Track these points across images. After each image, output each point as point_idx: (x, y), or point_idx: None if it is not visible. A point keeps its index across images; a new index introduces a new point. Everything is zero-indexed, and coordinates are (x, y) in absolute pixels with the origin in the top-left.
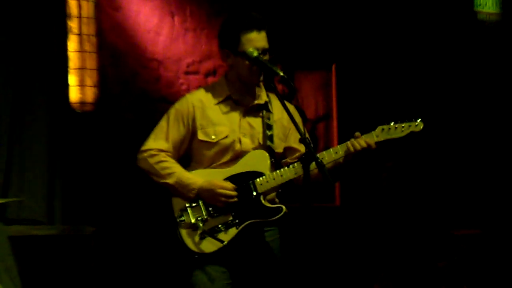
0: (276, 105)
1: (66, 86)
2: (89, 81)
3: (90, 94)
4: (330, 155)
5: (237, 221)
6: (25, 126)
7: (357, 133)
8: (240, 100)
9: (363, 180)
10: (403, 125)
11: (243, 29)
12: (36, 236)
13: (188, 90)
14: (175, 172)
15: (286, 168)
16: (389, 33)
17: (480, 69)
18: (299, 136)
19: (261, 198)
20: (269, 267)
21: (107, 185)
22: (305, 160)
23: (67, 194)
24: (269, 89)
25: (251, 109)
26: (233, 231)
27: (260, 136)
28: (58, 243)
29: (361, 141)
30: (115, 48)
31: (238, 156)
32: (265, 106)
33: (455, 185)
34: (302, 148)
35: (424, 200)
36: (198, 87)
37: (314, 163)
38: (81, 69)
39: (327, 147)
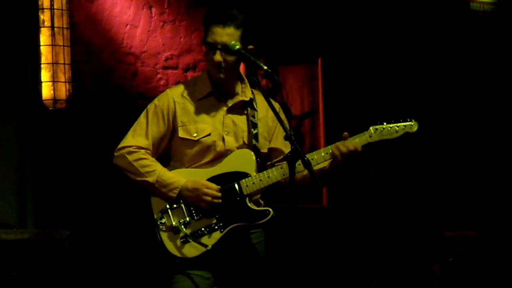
0: (260, 103)
1: (37, 82)
2: (62, 77)
3: (63, 91)
4: (320, 156)
5: (221, 224)
6: None
7: (345, 134)
8: (223, 96)
9: (351, 180)
10: (397, 125)
11: (212, 21)
12: (7, 240)
13: (166, 86)
14: (156, 170)
15: (273, 168)
16: (378, 25)
17: (473, 63)
18: (284, 137)
19: (247, 200)
20: (255, 271)
21: (82, 186)
22: (290, 158)
23: (39, 196)
24: (253, 84)
25: (234, 106)
26: (217, 235)
27: (245, 134)
28: (31, 248)
29: (348, 144)
30: (90, 42)
31: (222, 155)
32: (250, 103)
33: (447, 184)
34: (287, 150)
35: (415, 200)
36: (177, 82)
37: (300, 163)
38: (54, 64)
39: (313, 144)
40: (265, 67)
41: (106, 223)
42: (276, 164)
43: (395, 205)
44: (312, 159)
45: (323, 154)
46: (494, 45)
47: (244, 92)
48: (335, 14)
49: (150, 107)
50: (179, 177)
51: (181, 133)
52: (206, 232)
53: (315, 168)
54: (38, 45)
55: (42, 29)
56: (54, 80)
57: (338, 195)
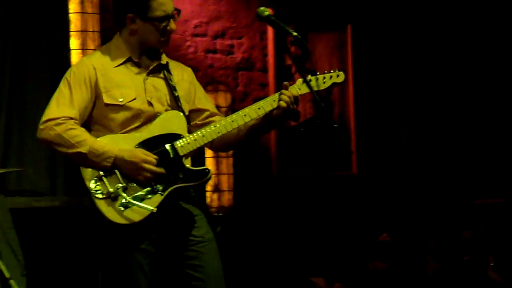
0: (174, 68)
1: (67, 49)
2: (91, 44)
3: None
4: (267, 104)
5: (160, 187)
6: (25, 93)
7: (285, 83)
8: (141, 61)
9: (380, 147)
10: (324, 76)
11: None
12: (38, 208)
13: (195, 53)
14: (87, 139)
15: (206, 127)
16: None
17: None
18: (201, 97)
19: (183, 161)
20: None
21: None
22: (321, 125)
23: (70, 163)
24: (282, 50)
25: (153, 70)
26: (157, 198)
27: (168, 97)
28: (61, 215)
29: (292, 90)
30: None
31: (151, 119)
32: (166, 67)
33: (479, 151)
34: (208, 106)
35: (445, 168)
36: (205, 50)
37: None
38: (83, 31)
39: (342, 112)
40: (295, 34)
41: None
42: (203, 123)
43: (425, 173)
44: (259, 108)
45: (270, 102)
46: None
47: (160, 57)
48: None
49: (69, 76)
50: (111, 146)
51: (106, 99)
52: (146, 196)
53: (253, 122)
54: (68, 13)
55: None
56: (83, 48)
57: (368, 163)
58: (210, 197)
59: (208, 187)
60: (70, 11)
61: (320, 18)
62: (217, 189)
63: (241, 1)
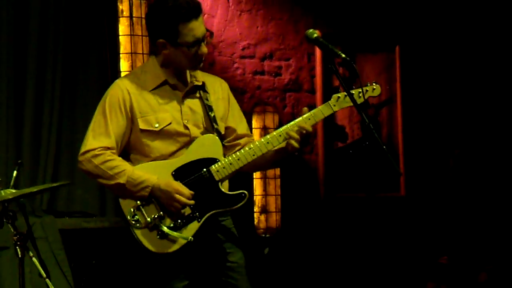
0: (211, 85)
1: (117, 72)
2: None
3: None
4: (275, 139)
5: (197, 214)
6: (75, 114)
7: (305, 108)
8: (177, 84)
9: (429, 168)
10: (359, 90)
11: (181, 20)
12: (88, 229)
13: (243, 75)
14: (125, 170)
15: (242, 151)
16: (457, 12)
17: None
18: (235, 115)
19: (220, 186)
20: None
21: None
22: (370, 147)
23: None
24: (329, 71)
25: (188, 92)
26: (195, 225)
27: (203, 119)
28: (110, 236)
29: (293, 133)
30: None
31: (187, 143)
32: (202, 87)
33: None
34: (238, 127)
35: (495, 189)
36: (253, 71)
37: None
38: (132, 53)
39: (390, 133)
40: (343, 55)
41: None
42: (234, 145)
43: (474, 195)
44: (267, 142)
45: (277, 137)
46: None
47: (196, 77)
48: (413, 1)
49: (105, 102)
50: (149, 175)
51: (142, 125)
52: (183, 224)
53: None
54: (117, 35)
55: (120, 19)
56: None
57: (416, 184)
58: (258, 218)
59: (256, 208)
60: (120, 33)
61: (368, 39)
62: (264, 210)
63: (289, 23)
